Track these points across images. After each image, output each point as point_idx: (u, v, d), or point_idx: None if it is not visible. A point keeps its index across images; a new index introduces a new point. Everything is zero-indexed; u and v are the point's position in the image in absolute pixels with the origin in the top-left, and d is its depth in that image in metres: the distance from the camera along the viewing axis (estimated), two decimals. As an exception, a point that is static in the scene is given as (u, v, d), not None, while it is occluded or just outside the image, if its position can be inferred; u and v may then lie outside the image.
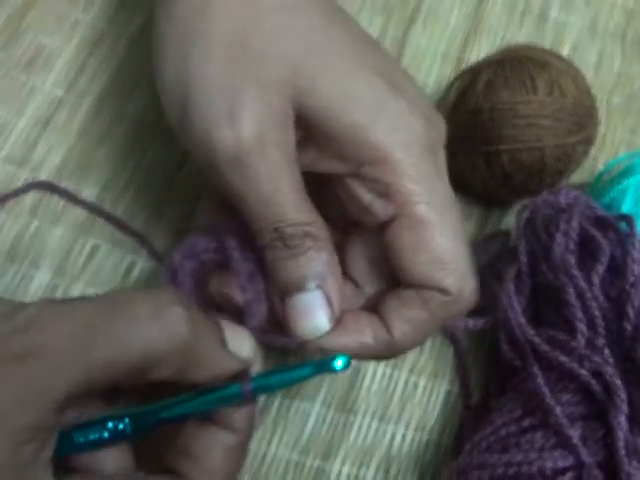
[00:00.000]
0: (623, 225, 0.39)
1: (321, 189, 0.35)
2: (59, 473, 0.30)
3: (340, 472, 0.41)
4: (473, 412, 0.42)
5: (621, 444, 0.33)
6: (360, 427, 0.42)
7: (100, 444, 0.31)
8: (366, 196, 0.34)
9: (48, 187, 0.47)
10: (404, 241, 0.33)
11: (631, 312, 0.35)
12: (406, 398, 0.43)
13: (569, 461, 0.33)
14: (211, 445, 0.31)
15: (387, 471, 0.41)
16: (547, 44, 0.53)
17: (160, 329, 0.28)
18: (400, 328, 0.33)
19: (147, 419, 0.31)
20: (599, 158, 0.49)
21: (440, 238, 0.33)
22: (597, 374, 0.35)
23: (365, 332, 0.34)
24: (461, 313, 0.35)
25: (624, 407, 0.34)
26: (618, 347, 0.36)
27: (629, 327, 0.35)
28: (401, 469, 0.42)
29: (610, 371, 0.34)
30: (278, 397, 0.43)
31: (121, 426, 0.31)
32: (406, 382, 0.44)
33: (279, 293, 0.33)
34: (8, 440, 0.27)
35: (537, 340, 0.37)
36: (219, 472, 0.31)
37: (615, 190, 0.44)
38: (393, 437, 0.42)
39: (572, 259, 0.37)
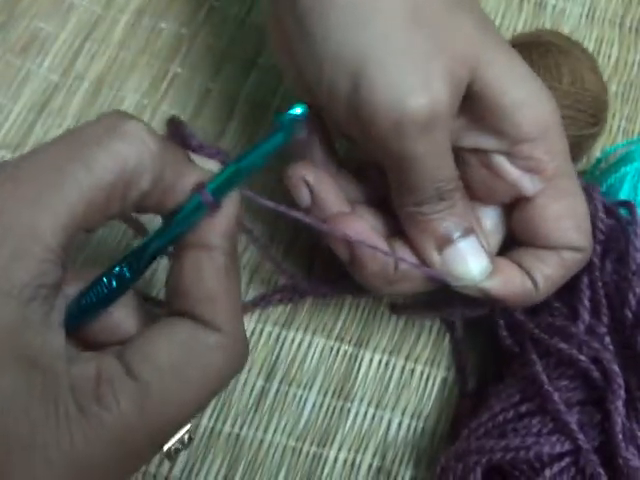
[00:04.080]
0: (623, 212, 0.39)
1: None
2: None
3: (336, 459, 0.41)
4: (469, 399, 0.42)
5: (618, 429, 0.33)
6: (356, 414, 0.42)
7: (108, 300, 0.31)
8: (514, 172, 0.36)
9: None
10: (551, 211, 0.36)
11: (632, 299, 0.35)
12: (402, 385, 0.43)
13: (566, 446, 0.33)
14: (195, 272, 0.30)
15: (383, 458, 0.42)
16: (545, 31, 0.53)
17: (124, 142, 0.28)
18: (541, 282, 0.36)
19: (140, 255, 0.31)
20: (596, 145, 0.49)
21: (578, 205, 0.37)
22: (596, 360, 0.35)
23: (515, 279, 0.36)
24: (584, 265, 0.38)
25: (622, 393, 0.34)
26: (618, 334, 0.36)
27: (630, 314, 0.35)
28: (397, 456, 0.42)
29: (608, 357, 0.34)
30: (275, 384, 0.43)
31: (118, 269, 0.31)
32: (402, 369, 0.44)
33: (437, 245, 0.36)
34: (14, 298, 0.26)
35: (535, 330, 0.37)
36: (216, 295, 0.30)
37: (613, 178, 0.44)
38: (389, 424, 0.42)
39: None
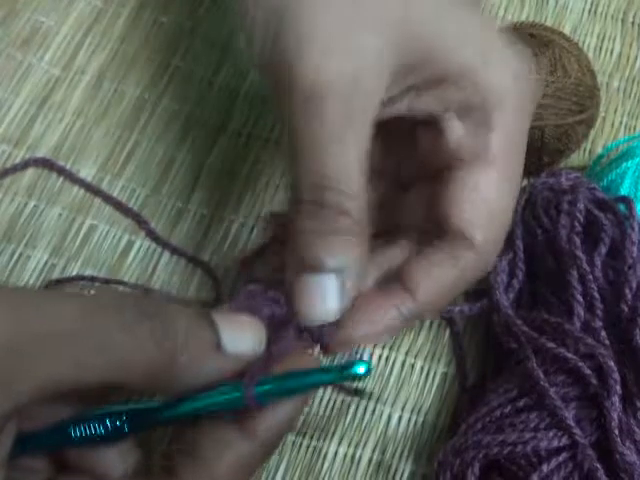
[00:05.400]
0: (622, 207, 0.39)
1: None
2: (56, 469, 0.30)
3: (336, 453, 0.41)
4: (469, 394, 0.42)
5: (614, 424, 0.33)
6: (357, 408, 0.42)
7: (96, 440, 0.29)
8: (458, 132, 0.32)
9: (46, 164, 0.47)
10: (466, 191, 0.32)
11: (628, 293, 0.35)
12: (402, 380, 0.43)
13: (563, 441, 0.33)
14: (221, 449, 0.28)
15: (383, 452, 0.42)
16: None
17: (129, 344, 0.26)
18: (426, 289, 0.32)
19: (146, 418, 0.29)
20: (598, 141, 0.49)
21: (490, 194, 0.32)
22: (592, 356, 0.35)
23: (388, 311, 0.32)
24: (486, 270, 0.34)
25: (618, 388, 0.34)
26: (614, 328, 0.36)
27: (626, 308, 0.35)
28: (397, 450, 0.42)
29: (604, 353, 0.34)
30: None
31: (118, 423, 0.29)
32: (403, 364, 0.43)
33: (295, 266, 0.30)
34: None
35: (525, 329, 0.37)
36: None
37: (614, 173, 0.43)
38: (389, 418, 0.42)
39: (578, 241, 0.37)
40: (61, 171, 0.47)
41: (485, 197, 0.32)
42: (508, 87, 0.32)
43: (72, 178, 0.47)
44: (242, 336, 0.29)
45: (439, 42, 0.31)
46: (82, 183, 0.46)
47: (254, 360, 0.29)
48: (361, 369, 0.29)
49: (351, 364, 0.29)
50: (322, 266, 0.29)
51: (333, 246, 0.29)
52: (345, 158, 0.29)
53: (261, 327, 0.30)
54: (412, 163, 0.36)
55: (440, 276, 0.32)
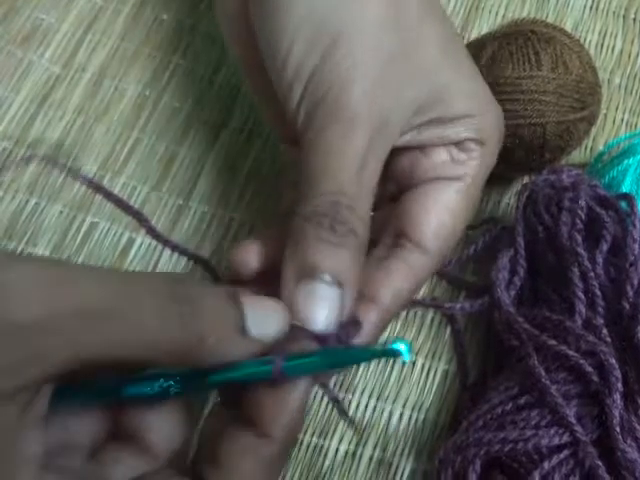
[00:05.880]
0: (623, 204, 0.39)
1: None
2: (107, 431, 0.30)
3: (337, 450, 0.42)
4: (470, 391, 0.42)
5: (616, 422, 0.33)
6: (358, 406, 0.42)
7: (149, 398, 0.29)
8: (444, 155, 0.36)
9: (48, 160, 0.47)
10: (431, 201, 0.36)
11: (630, 291, 0.35)
12: (403, 377, 0.43)
13: (565, 439, 0.33)
14: (242, 456, 0.29)
15: (384, 449, 0.42)
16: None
17: (158, 326, 0.27)
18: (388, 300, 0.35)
19: (195, 379, 0.30)
20: (599, 138, 0.49)
21: (457, 210, 0.36)
22: (593, 353, 0.35)
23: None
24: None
25: (619, 386, 0.34)
26: (616, 326, 0.36)
27: (627, 306, 0.35)
28: (398, 447, 0.42)
29: (605, 350, 0.34)
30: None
31: (169, 382, 0.29)
32: (403, 362, 0.44)
33: (296, 273, 0.32)
34: None
35: (526, 326, 0.37)
36: None
37: (615, 170, 0.43)
38: (390, 416, 0.42)
39: (579, 238, 0.37)
40: (63, 168, 0.47)
41: (452, 212, 0.36)
42: (493, 132, 0.37)
43: (73, 176, 0.47)
44: (266, 320, 0.30)
45: (448, 89, 0.35)
46: (83, 181, 0.46)
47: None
48: (402, 347, 0.29)
49: (392, 341, 0.29)
50: (327, 276, 0.31)
51: (341, 259, 0.31)
52: (364, 182, 0.33)
53: (286, 312, 0.30)
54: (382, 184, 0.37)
55: (398, 284, 0.35)
